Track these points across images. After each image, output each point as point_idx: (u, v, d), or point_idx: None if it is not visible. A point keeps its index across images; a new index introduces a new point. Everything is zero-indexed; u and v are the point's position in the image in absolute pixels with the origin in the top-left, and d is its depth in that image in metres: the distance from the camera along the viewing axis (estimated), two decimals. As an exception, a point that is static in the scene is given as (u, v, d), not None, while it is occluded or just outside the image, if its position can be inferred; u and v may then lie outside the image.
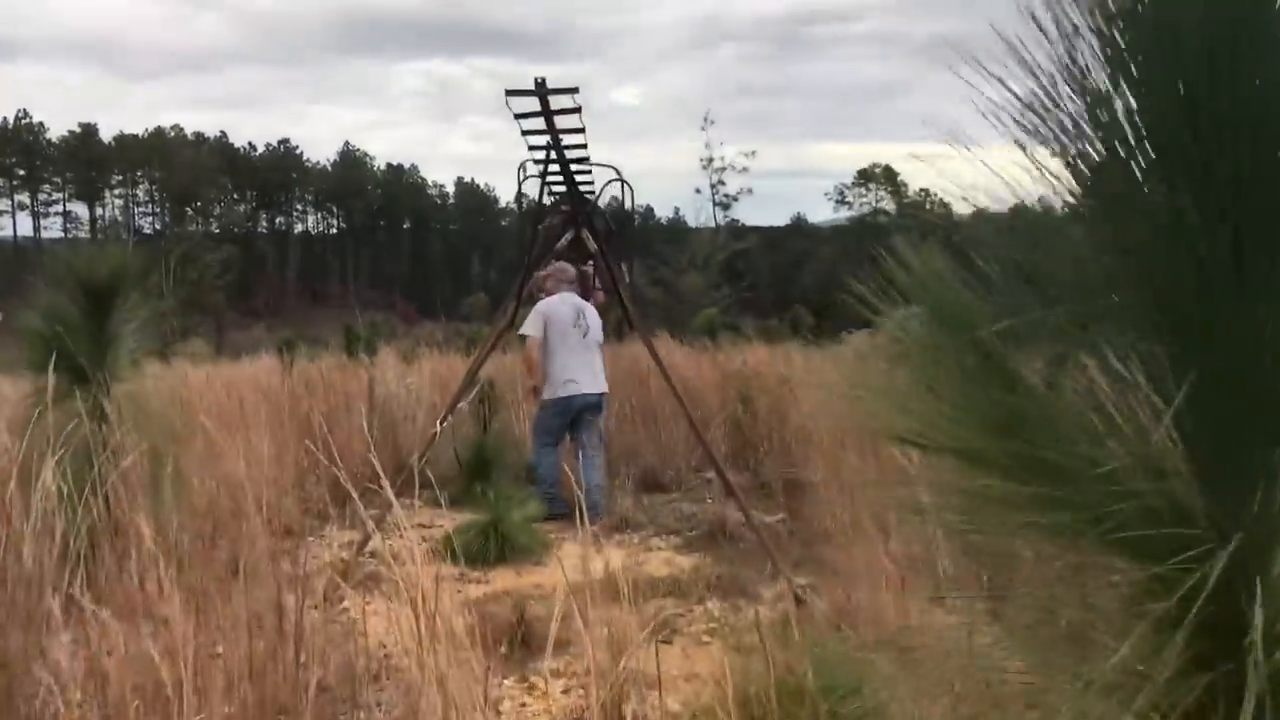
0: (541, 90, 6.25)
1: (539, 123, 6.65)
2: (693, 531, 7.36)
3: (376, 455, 8.08)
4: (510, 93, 6.34)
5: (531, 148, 7.35)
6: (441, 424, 6.91)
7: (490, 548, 6.76)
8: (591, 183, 8.36)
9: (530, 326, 7.86)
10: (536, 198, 8.02)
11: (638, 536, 7.32)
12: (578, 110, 6.66)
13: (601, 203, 8.45)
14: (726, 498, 7.01)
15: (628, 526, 7.45)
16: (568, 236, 7.98)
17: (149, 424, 4.86)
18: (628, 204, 8.51)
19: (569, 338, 7.85)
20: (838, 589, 4.59)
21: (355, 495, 3.30)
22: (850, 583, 4.46)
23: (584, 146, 7.50)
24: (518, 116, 6.64)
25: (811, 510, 6.88)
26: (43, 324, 4.64)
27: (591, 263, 8.45)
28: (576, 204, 7.88)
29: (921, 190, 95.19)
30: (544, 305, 7.96)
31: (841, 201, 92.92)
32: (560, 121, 6.65)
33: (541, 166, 7.14)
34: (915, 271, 1.33)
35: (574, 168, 7.75)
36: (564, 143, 7.00)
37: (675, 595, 6.00)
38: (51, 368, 4.68)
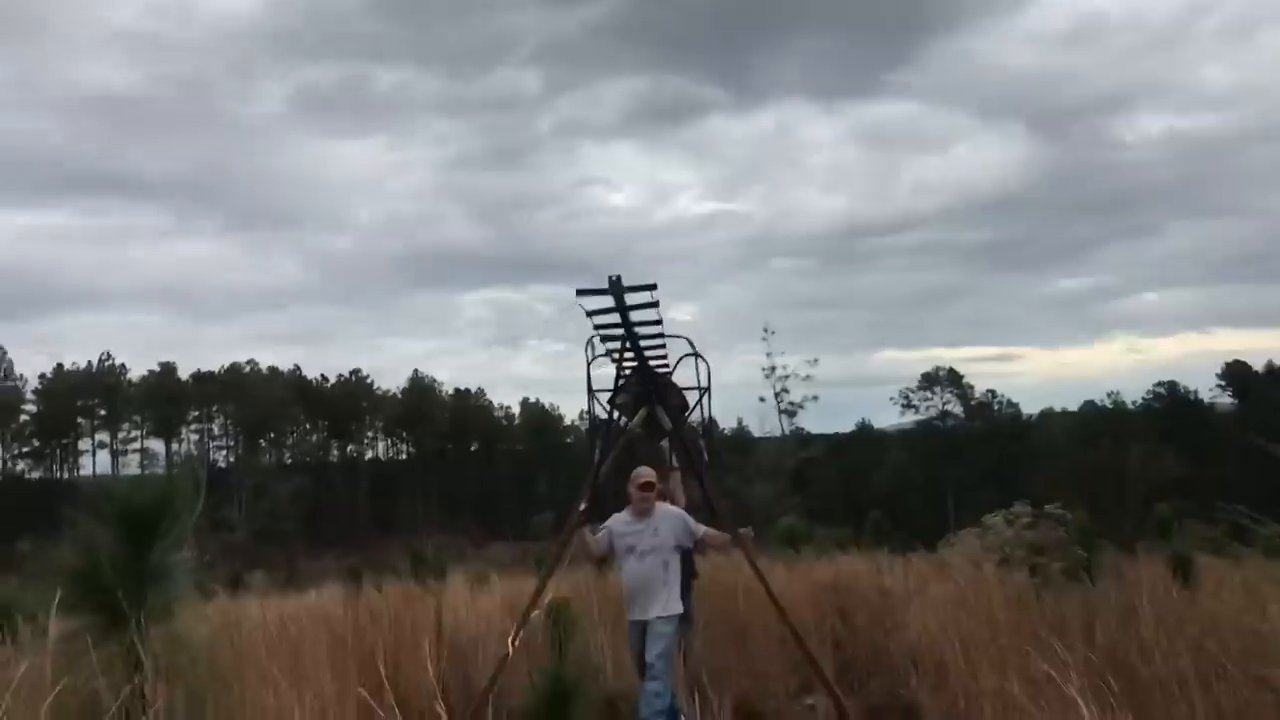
0: (616, 289, 5.93)
1: (610, 316, 6.37)
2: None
3: (445, 691, 7.39)
4: (582, 292, 6.04)
5: (604, 338, 7.05)
6: (514, 642, 6.20)
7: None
8: (665, 357, 7.90)
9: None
10: (606, 411, 7.63)
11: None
12: (655, 304, 6.38)
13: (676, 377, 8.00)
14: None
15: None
16: (642, 413, 7.42)
17: (191, 669, 4.31)
18: (703, 380, 7.82)
19: (628, 559, 7.15)
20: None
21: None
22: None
23: (658, 322, 7.10)
24: (590, 314, 6.34)
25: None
26: (77, 559, 4.19)
27: (666, 440, 7.91)
28: (649, 378, 7.47)
29: (988, 391, 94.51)
30: (612, 520, 7.36)
31: (908, 405, 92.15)
32: (636, 315, 6.33)
33: (610, 345, 6.76)
34: None
35: (645, 343, 7.34)
36: (636, 326, 6.65)
37: None
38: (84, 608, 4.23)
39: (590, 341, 7.59)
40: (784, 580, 10.04)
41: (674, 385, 7.45)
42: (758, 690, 7.98)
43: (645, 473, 7.16)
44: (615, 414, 7.36)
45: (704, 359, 7.48)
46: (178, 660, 4.26)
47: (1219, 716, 4.45)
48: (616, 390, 7.53)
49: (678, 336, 7.54)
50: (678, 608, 7.03)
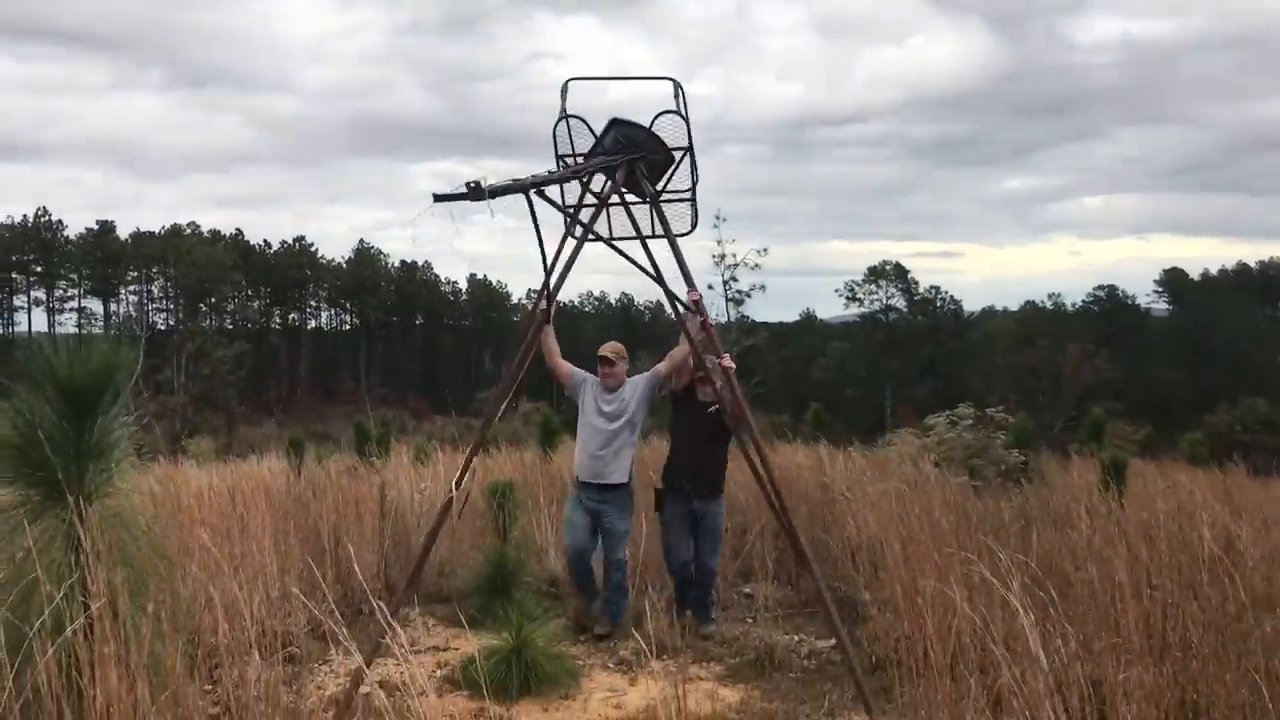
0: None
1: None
2: (737, 659, 6.66)
3: (388, 567, 7.38)
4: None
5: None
6: (458, 510, 5.88)
7: (513, 677, 6.07)
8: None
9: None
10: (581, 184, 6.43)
11: (675, 664, 6.61)
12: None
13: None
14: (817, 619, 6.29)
15: (663, 652, 6.74)
16: (608, 184, 6.30)
17: (133, 545, 4.24)
18: (683, 139, 6.63)
19: (596, 417, 7.19)
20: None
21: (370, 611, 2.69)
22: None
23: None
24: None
25: (874, 635, 6.21)
26: (14, 431, 4.06)
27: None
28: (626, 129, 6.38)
29: (932, 288, 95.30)
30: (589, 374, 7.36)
31: (853, 298, 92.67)
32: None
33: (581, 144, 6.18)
34: None
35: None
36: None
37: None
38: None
39: (566, 86, 6.59)
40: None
41: (655, 137, 6.48)
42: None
43: (605, 348, 7.25)
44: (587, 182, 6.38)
45: (683, 114, 6.46)
46: (119, 539, 4.18)
47: (1150, 624, 4.58)
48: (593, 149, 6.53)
49: (662, 78, 6.61)
50: (625, 476, 7.18)
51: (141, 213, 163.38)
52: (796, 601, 7.87)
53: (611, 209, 6.60)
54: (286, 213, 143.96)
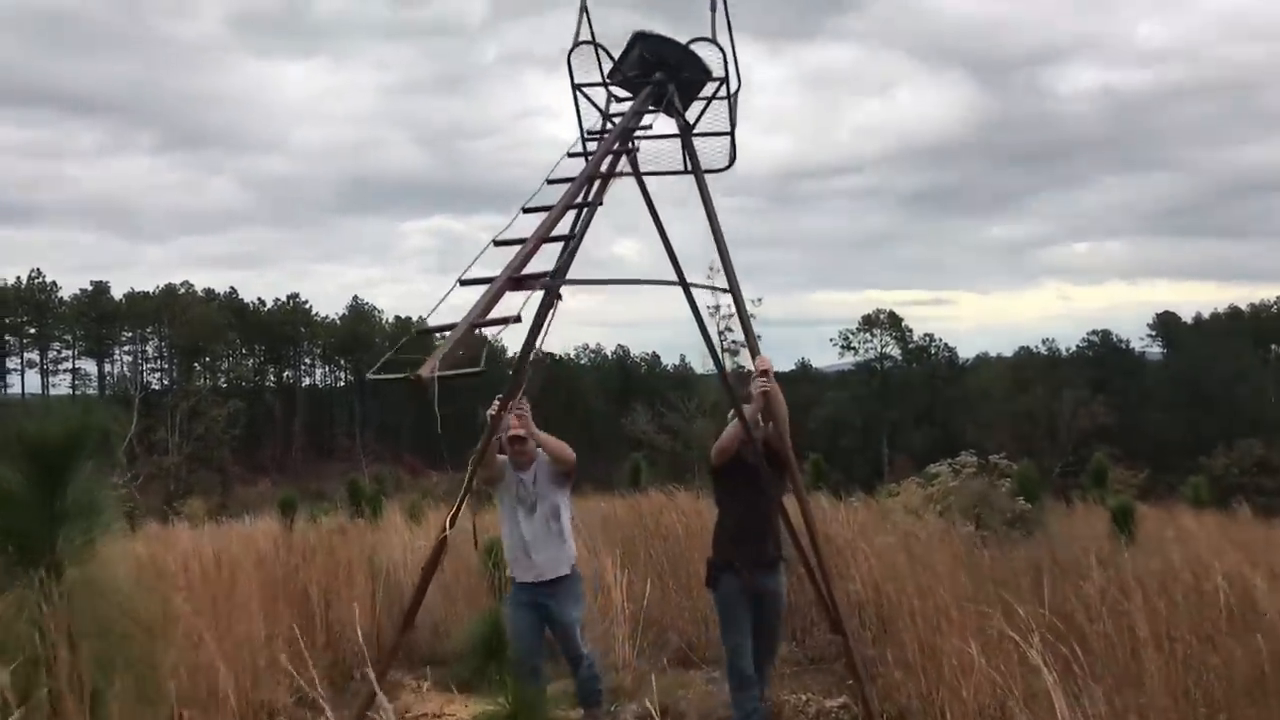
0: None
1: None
2: (743, 720, 6.42)
3: (381, 630, 7.15)
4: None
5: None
6: (452, 525, 5.51)
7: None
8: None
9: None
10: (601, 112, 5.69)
11: (680, 727, 6.39)
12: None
13: None
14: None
15: (664, 716, 6.51)
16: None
17: (109, 615, 4.04)
18: (720, 69, 5.73)
19: (516, 510, 6.16)
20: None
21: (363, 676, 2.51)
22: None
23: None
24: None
25: (885, 693, 5.98)
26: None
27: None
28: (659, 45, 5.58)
29: (926, 335, 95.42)
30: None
31: (847, 347, 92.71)
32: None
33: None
34: None
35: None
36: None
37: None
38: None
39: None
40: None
41: (691, 54, 5.54)
42: (700, 635, 7.88)
43: (511, 423, 5.97)
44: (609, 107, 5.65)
45: (721, 45, 5.57)
46: (94, 609, 3.98)
47: (1172, 680, 4.39)
48: (617, 66, 5.76)
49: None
50: (570, 563, 6.18)
51: (135, 273, 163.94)
52: (801, 658, 7.64)
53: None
54: (279, 271, 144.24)
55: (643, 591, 7.74)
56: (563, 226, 4.77)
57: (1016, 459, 12.28)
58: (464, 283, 4.45)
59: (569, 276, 5.28)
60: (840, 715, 6.30)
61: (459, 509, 5.66)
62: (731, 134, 5.94)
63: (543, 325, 5.33)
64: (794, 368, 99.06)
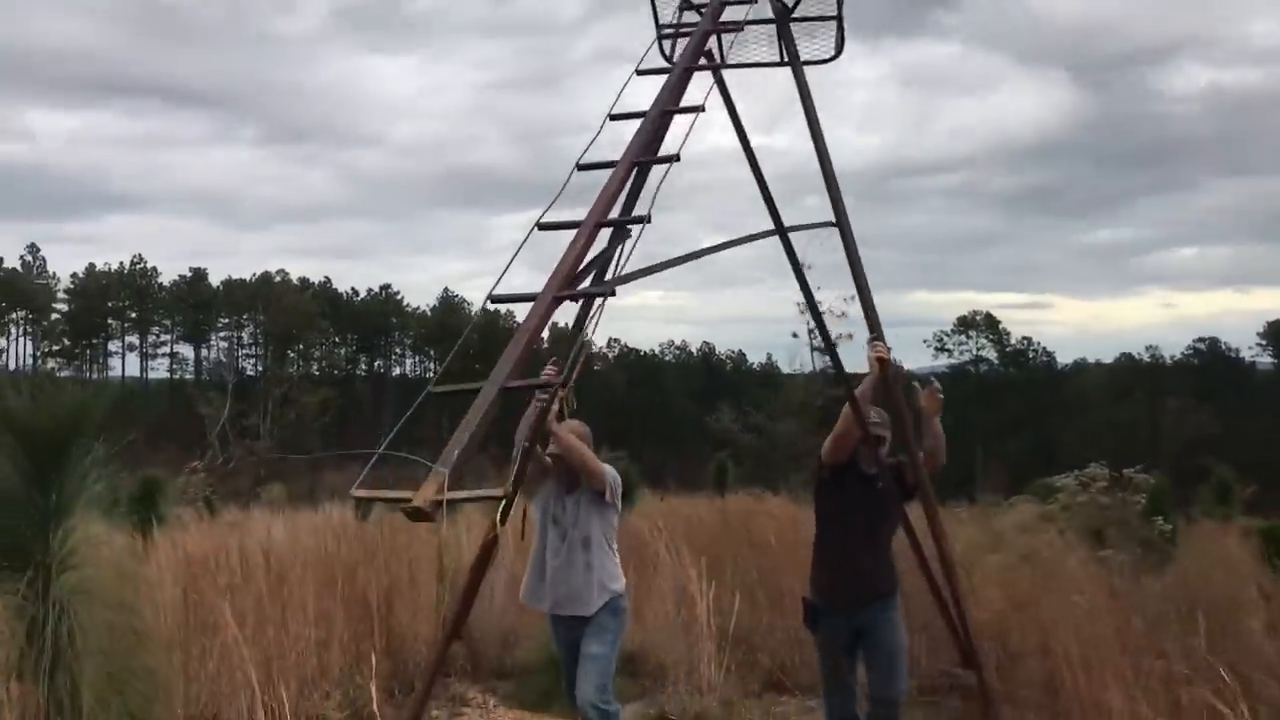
0: None
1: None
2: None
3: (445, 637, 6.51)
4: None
5: None
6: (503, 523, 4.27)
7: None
8: None
9: None
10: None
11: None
12: None
13: None
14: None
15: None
16: None
17: (109, 624, 3.47)
18: None
19: (549, 531, 5.26)
20: None
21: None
22: None
23: None
24: None
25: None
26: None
27: None
28: None
29: (1023, 338, 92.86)
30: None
31: (941, 349, 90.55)
32: None
33: None
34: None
35: None
36: None
37: None
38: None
39: None
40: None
41: None
42: (794, 657, 7.15)
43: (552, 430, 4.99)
44: None
45: None
46: (92, 618, 3.41)
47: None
48: None
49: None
50: (601, 600, 5.07)
51: (233, 261, 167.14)
52: (911, 687, 6.86)
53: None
54: (373, 263, 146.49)
55: (731, 606, 7.03)
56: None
57: (1153, 472, 11.28)
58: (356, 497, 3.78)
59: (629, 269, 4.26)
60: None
61: (509, 504, 4.71)
62: (839, 17, 5.19)
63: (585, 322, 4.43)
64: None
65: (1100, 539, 8.17)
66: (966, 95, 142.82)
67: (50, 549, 3.31)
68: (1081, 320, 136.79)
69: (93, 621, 3.37)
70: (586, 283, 3.84)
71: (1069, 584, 5.72)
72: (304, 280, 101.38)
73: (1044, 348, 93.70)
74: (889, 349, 4.95)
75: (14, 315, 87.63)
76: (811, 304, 5.04)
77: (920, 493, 4.94)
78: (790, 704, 6.73)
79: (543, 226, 3.64)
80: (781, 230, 4.59)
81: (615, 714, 5.07)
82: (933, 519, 4.68)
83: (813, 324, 49.35)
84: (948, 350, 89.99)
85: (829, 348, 4.75)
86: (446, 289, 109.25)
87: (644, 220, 3.79)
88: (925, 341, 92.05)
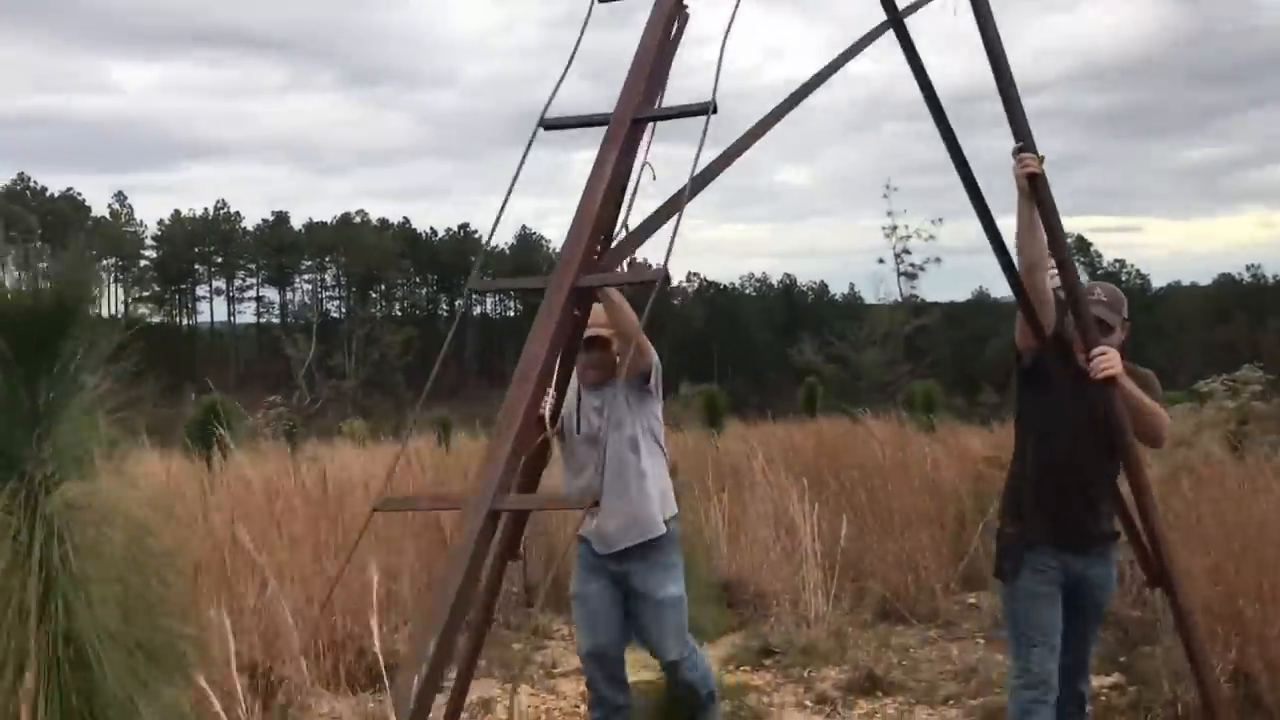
0: None
1: None
2: (979, 699, 4.97)
3: (527, 567, 5.98)
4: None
5: None
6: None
7: (678, 716, 4.59)
8: None
9: None
10: None
11: (891, 703, 5.02)
12: None
13: None
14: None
15: (876, 686, 5.15)
16: None
17: (117, 548, 2.88)
18: None
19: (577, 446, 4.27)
20: None
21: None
22: None
23: None
24: None
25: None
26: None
27: None
28: None
29: (1116, 261, 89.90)
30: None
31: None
32: None
33: None
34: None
35: None
36: None
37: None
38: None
39: None
40: (931, 452, 8.42)
41: None
42: (909, 585, 6.46)
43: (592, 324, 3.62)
44: None
45: None
46: (95, 540, 2.82)
47: None
48: None
49: None
50: (665, 513, 4.27)
51: (314, 206, 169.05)
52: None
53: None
54: (450, 203, 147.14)
55: (837, 530, 6.34)
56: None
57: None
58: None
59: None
60: (1112, 699, 4.79)
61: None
62: None
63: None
64: (970, 297, 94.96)
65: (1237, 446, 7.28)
66: (1056, 13, 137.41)
67: (38, 456, 2.71)
68: (1176, 242, 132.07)
69: (98, 543, 2.79)
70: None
71: (1235, 497, 4.94)
72: (383, 221, 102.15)
73: (1137, 270, 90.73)
74: (1041, 159, 3.59)
75: (105, 263, 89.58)
76: (926, 84, 3.78)
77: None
78: (908, 634, 6.06)
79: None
80: (896, 16, 3.60)
81: (704, 661, 4.34)
82: (1110, 408, 3.53)
83: (897, 249, 47.78)
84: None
85: (946, 134, 3.67)
86: (524, 227, 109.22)
87: (708, 109, 3.02)
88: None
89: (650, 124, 3.37)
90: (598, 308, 3.71)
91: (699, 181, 3.13)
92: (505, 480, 2.59)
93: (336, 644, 4.46)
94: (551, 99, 3.41)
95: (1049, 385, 3.66)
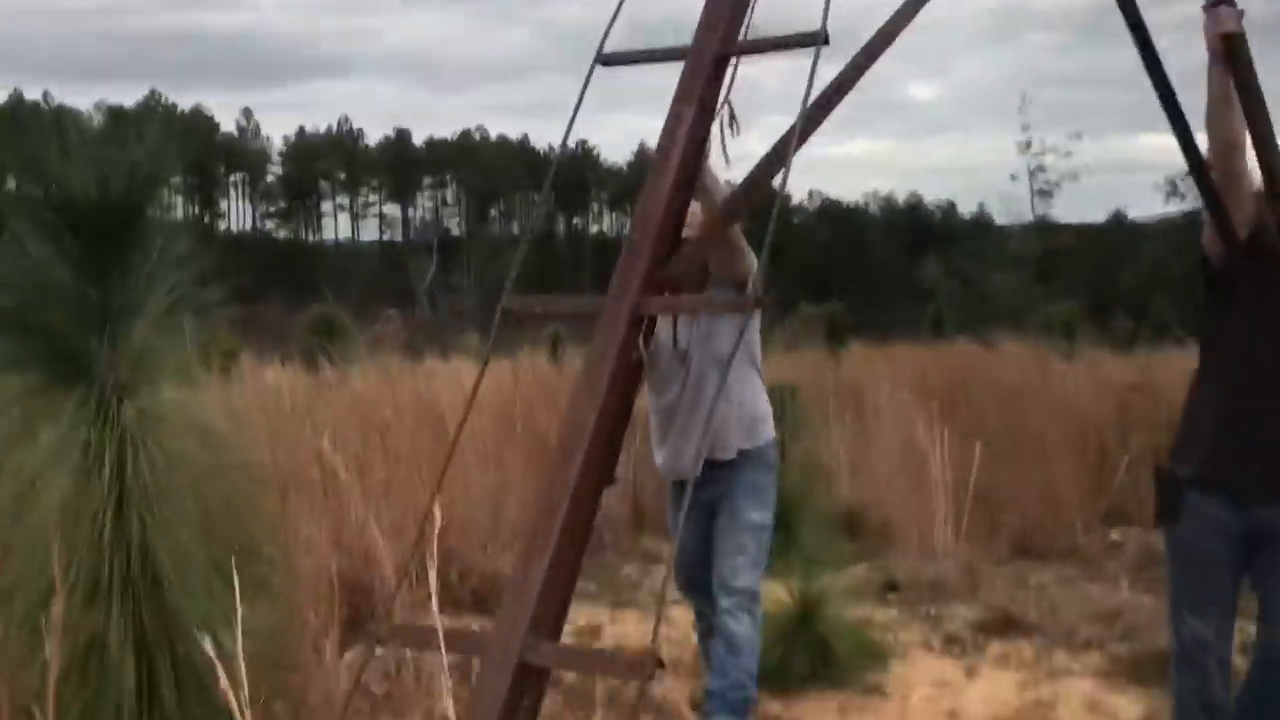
0: None
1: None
2: (1124, 644, 4.57)
3: (639, 489, 5.74)
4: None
5: None
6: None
7: (798, 658, 4.30)
8: None
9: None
10: None
11: (1029, 644, 4.65)
12: None
13: None
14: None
15: (1010, 627, 4.79)
16: None
17: (196, 457, 2.69)
18: None
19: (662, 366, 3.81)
20: None
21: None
22: None
23: None
24: None
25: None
26: (13, 292, 2.59)
27: None
28: None
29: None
30: None
31: (1174, 194, 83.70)
32: None
33: None
34: None
35: None
36: None
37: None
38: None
39: None
40: (1070, 378, 7.90)
41: None
42: (1047, 519, 6.04)
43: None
44: None
45: None
46: (172, 453, 2.63)
47: None
48: None
49: None
50: (748, 442, 3.75)
51: (434, 122, 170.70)
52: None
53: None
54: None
55: (969, 459, 5.93)
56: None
57: None
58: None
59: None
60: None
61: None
62: None
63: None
64: (1106, 219, 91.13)
65: None
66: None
67: (110, 360, 2.51)
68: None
69: (175, 454, 2.60)
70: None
71: None
72: (502, 138, 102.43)
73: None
74: (1241, 14, 2.85)
75: (233, 178, 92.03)
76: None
77: None
78: (1046, 573, 5.65)
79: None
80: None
81: (757, 638, 3.67)
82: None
83: (1032, 165, 45.85)
84: (1180, 195, 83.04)
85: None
86: (642, 143, 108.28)
87: (818, 39, 2.63)
88: (1156, 186, 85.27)
89: (733, 61, 2.91)
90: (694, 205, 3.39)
91: (812, 119, 2.71)
92: (539, 618, 2.26)
93: (438, 564, 4.30)
94: (609, 30, 3.02)
95: (1244, 298, 3.08)
